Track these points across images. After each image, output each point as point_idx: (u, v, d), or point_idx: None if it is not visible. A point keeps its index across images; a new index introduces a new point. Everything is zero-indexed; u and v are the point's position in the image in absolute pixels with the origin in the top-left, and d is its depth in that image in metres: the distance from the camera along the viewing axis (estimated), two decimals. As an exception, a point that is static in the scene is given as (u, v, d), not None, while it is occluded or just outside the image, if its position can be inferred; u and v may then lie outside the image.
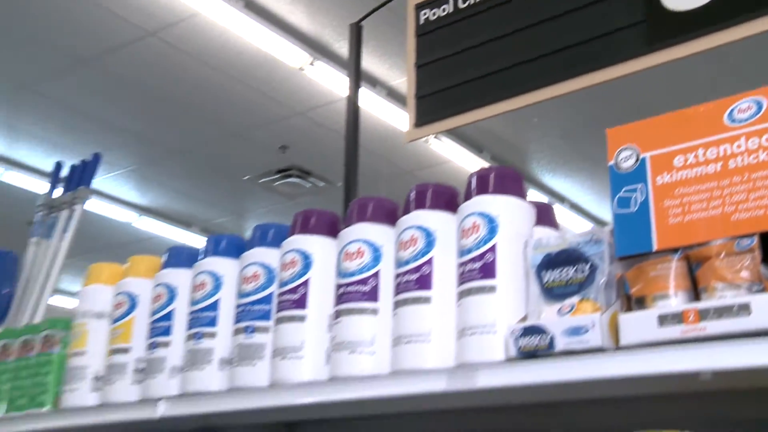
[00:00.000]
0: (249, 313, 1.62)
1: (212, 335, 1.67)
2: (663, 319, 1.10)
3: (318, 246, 1.59)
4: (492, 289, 1.33)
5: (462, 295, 1.36)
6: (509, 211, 1.38)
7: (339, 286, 1.51)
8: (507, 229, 1.36)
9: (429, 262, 1.42)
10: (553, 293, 1.32)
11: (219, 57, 5.66)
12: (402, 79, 5.66)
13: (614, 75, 2.20)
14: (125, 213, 8.10)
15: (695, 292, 1.14)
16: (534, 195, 5.70)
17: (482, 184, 1.41)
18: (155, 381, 1.70)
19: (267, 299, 1.62)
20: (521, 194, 1.42)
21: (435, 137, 6.45)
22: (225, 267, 1.73)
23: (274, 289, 1.62)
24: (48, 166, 5.56)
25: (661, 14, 2.12)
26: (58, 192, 2.93)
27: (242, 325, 1.61)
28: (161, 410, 1.64)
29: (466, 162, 6.99)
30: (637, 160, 1.27)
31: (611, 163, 1.29)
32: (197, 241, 8.00)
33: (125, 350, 1.79)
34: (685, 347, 1.05)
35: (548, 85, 2.31)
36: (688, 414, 1.37)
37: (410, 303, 1.40)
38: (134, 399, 1.74)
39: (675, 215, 1.19)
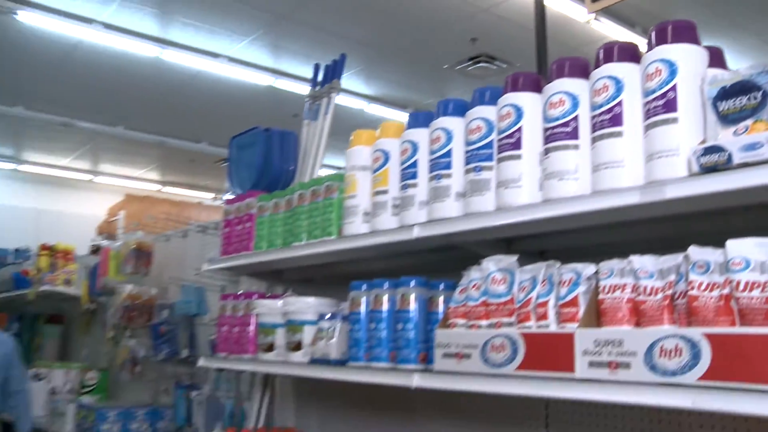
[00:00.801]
0: (476, 157, 1.89)
1: (449, 176, 1.97)
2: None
3: (527, 99, 1.82)
4: (674, 120, 1.50)
5: (649, 127, 1.54)
6: (686, 56, 1.53)
7: (546, 129, 1.74)
8: (685, 70, 1.52)
9: (619, 104, 1.61)
10: (728, 119, 1.46)
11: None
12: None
13: None
14: (358, 102, 9.22)
15: None
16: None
17: (661, 35, 1.56)
18: (408, 212, 2.04)
19: (489, 145, 1.88)
20: (695, 41, 1.54)
21: (595, 18, 6.99)
22: (454, 123, 2.01)
23: (494, 137, 1.88)
24: (304, 72, 7.11)
25: None
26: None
27: (471, 166, 1.90)
28: (415, 233, 1.97)
29: (622, 37, 7.20)
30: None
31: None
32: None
33: (384, 192, 2.14)
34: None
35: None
36: None
37: (606, 137, 1.61)
38: (394, 226, 2.10)
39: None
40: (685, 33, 1.55)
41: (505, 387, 1.68)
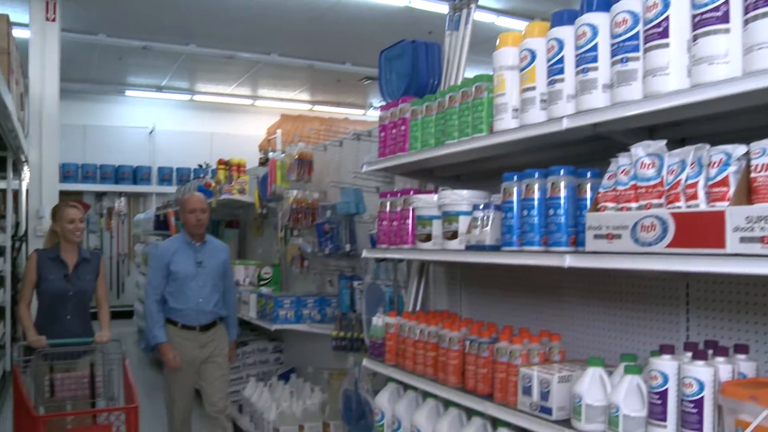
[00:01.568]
0: (622, 48, 1.82)
1: (595, 69, 1.90)
2: None
3: (676, -13, 1.71)
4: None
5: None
6: None
7: (695, 16, 1.64)
8: None
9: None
10: None
11: None
12: None
13: None
14: (488, 16, 8.92)
15: None
16: None
17: None
18: (557, 106, 2.00)
19: (635, 36, 1.80)
20: None
21: None
22: (599, 18, 1.92)
23: (639, 28, 1.79)
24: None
25: None
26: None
27: (618, 57, 1.82)
28: (564, 124, 1.94)
29: None
30: None
31: None
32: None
33: (532, 88, 2.10)
34: None
35: None
36: None
37: (760, 18, 1.49)
38: (543, 120, 2.07)
39: None
40: None
41: (656, 264, 1.67)
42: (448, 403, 2.63)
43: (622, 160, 1.86)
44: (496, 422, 2.37)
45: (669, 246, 1.64)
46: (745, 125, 1.83)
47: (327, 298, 4.68)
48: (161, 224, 8.74)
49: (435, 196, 2.58)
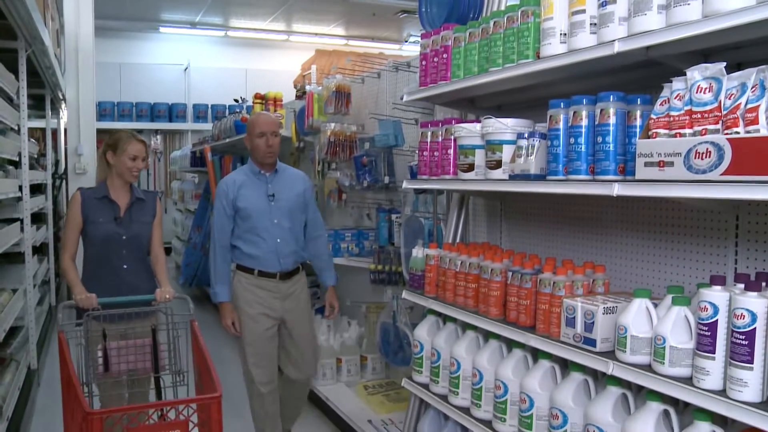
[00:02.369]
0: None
1: (650, -12, 1.80)
2: None
3: None
4: None
5: None
6: None
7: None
8: None
9: None
10: None
11: None
12: None
13: None
14: None
15: None
16: None
17: None
18: (608, 29, 1.91)
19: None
20: None
21: None
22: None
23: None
24: None
25: None
26: None
27: (676, -25, 1.72)
28: (617, 47, 1.86)
29: None
30: None
31: None
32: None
33: (582, 11, 2.00)
34: None
35: None
36: None
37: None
38: (593, 44, 1.98)
39: None
40: None
41: (709, 192, 1.61)
42: (488, 335, 2.64)
43: (677, 84, 1.79)
44: (537, 354, 2.38)
45: (724, 173, 1.58)
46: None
47: (365, 231, 4.69)
48: (197, 161, 8.82)
49: (478, 125, 2.52)
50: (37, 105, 7.63)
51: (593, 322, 2.04)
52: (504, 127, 2.38)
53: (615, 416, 2.01)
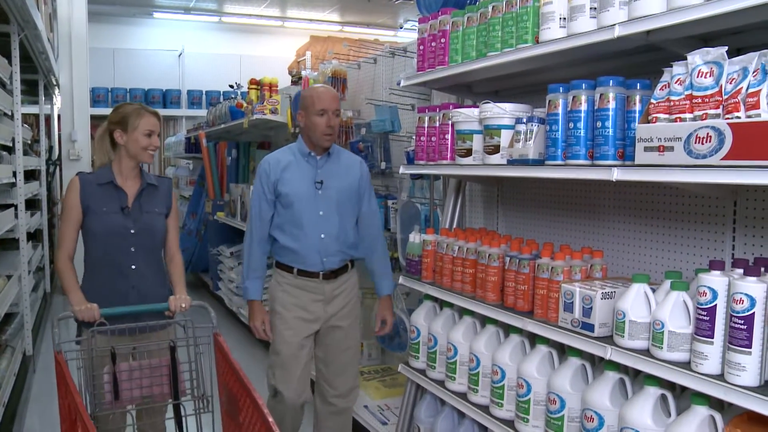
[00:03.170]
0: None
1: (652, -29, 1.78)
2: None
3: None
4: None
5: None
6: None
7: None
8: None
9: None
10: None
11: None
12: None
13: None
14: None
15: None
16: None
17: None
18: (608, 13, 1.89)
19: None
20: None
21: None
22: None
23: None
24: None
25: None
26: None
27: (678, -43, 1.70)
28: (617, 31, 1.84)
29: None
30: None
31: None
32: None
33: (583, -7, 1.99)
34: None
35: None
36: None
37: None
38: (593, 28, 1.96)
39: None
40: None
41: (710, 177, 1.61)
42: (485, 321, 2.64)
43: (677, 69, 1.77)
44: (534, 339, 2.38)
45: (725, 158, 1.57)
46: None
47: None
48: (192, 147, 8.78)
49: (476, 110, 2.51)
50: (30, 90, 7.57)
51: (591, 307, 2.03)
52: (502, 111, 2.37)
53: (612, 401, 2.02)
